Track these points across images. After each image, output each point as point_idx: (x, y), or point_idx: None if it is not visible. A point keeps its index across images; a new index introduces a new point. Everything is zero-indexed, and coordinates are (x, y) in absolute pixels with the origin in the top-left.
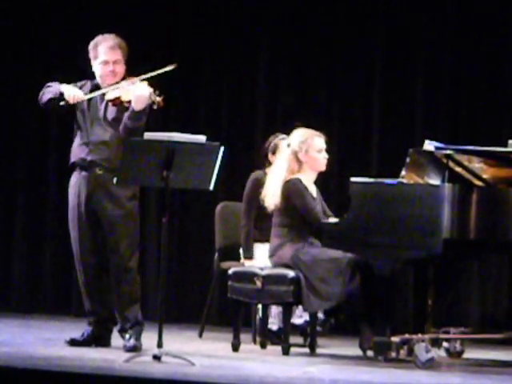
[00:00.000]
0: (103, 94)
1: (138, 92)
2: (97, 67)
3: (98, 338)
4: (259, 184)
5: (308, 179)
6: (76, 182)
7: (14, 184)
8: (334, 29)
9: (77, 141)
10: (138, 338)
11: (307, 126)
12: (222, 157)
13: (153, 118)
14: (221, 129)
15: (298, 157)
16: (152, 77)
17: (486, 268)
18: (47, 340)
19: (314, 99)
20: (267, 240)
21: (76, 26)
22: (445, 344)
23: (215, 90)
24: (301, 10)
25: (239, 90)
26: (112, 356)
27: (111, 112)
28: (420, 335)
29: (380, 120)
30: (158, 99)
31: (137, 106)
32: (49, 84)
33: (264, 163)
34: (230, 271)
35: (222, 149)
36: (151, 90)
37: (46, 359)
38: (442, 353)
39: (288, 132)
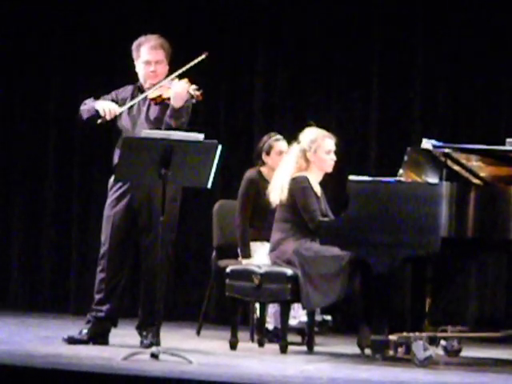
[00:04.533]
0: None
1: (176, 89)
2: (139, 67)
3: (96, 337)
4: (253, 183)
5: (314, 178)
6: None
7: (11, 182)
8: (331, 28)
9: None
10: (154, 335)
11: (319, 125)
12: (220, 155)
13: None
14: (219, 127)
15: (306, 155)
16: (187, 70)
17: (484, 266)
18: (45, 338)
19: (312, 99)
20: (265, 239)
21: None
22: (442, 342)
23: (213, 88)
24: (300, 11)
25: (237, 88)
26: (110, 354)
27: (153, 112)
28: (418, 333)
29: (378, 118)
30: (197, 93)
31: (176, 103)
32: (84, 102)
33: (257, 162)
34: (228, 269)
35: (220, 147)
36: (188, 85)
37: (44, 357)
38: (439, 351)
39: (286, 131)
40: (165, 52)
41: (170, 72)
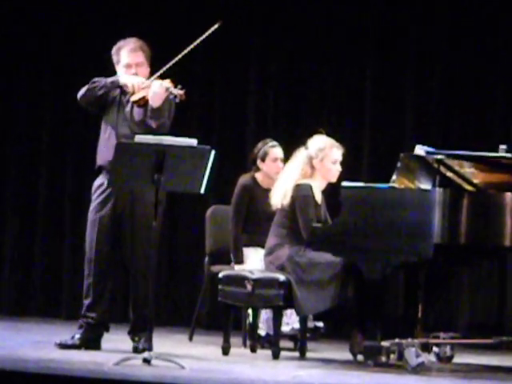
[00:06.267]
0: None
1: (153, 89)
2: (120, 71)
3: (88, 342)
4: (247, 189)
5: (318, 186)
6: (101, 185)
7: (3, 186)
8: (325, 34)
9: (103, 143)
10: (147, 340)
11: (327, 134)
12: (213, 160)
13: None
14: (212, 132)
15: (312, 162)
16: (197, 44)
17: (476, 273)
18: (37, 343)
19: (305, 104)
20: (258, 244)
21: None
22: (435, 349)
23: (206, 94)
24: (294, 13)
25: (230, 93)
26: (102, 359)
27: (137, 114)
28: (410, 340)
29: (371, 124)
30: (180, 92)
31: (154, 103)
32: (94, 80)
33: (252, 168)
34: (221, 275)
35: (213, 152)
36: (167, 85)
37: (36, 362)
38: (431, 357)
39: (279, 136)
40: (145, 54)
41: (151, 74)
